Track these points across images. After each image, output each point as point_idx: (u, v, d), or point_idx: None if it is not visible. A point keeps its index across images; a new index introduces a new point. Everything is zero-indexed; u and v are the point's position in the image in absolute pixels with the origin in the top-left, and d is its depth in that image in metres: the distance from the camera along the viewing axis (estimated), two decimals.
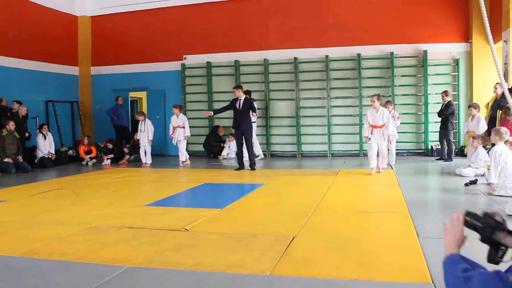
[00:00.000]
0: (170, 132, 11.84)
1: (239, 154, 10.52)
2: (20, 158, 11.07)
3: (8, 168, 10.72)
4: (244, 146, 10.58)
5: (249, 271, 3.51)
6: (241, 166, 10.31)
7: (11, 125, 10.96)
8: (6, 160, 10.75)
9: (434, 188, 8.07)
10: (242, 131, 10.23)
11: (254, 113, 10.30)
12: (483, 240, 1.68)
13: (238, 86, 10.53)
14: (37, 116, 12.98)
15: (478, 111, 10.10)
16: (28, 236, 4.78)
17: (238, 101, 10.27)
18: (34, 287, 3.34)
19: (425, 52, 12.40)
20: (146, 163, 11.85)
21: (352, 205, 6.09)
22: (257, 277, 3.40)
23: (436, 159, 11.40)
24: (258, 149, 12.62)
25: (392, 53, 12.60)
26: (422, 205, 6.07)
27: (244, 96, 10.41)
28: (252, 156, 10.37)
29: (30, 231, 5.03)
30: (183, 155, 11.73)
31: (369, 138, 9.14)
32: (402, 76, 12.74)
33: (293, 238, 4.41)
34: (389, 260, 3.71)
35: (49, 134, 12.44)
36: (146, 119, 12.17)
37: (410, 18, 12.56)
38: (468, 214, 1.74)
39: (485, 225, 1.68)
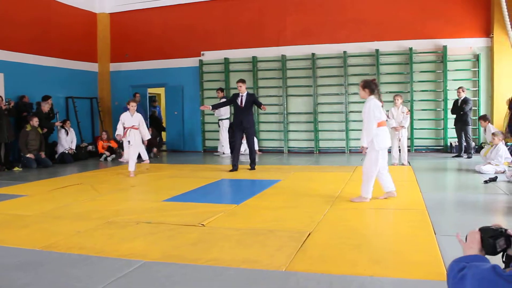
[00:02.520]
0: (120, 132, 9.31)
1: (236, 154, 9.71)
2: (43, 154, 11.27)
3: (29, 163, 10.92)
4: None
5: (265, 267, 3.53)
6: (235, 168, 9.48)
7: (35, 121, 11.16)
8: (28, 155, 10.94)
9: (452, 185, 8.00)
10: (244, 129, 9.60)
11: (264, 107, 9.71)
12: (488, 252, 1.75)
13: (242, 80, 9.81)
14: (57, 112, 13.16)
15: (488, 123, 10.13)
16: (48, 230, 4.88)
17: (240, 97, 9.60)
18: (53, 280, 3.41)
19: (445, 47, 12.25)
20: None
21: (369, 201, 6.06)
22: (272, 273, 3.41)
23: (452, 156, 11.26)
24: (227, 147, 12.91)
25: (411, 49, 12.48)
26: (439, 202, 6.01)
27: (247, 91, 9.73)
28: (253, 154, 9.78)
29: (50, 225, 5.13)
30: (133, 164, 9.27)
31: None
32: (421, 72, 12.60)
33: (309, 234, 4.41)
34: (405, 257, 3.70)
35: (71, 130, 12.63)
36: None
37: (430, 13, 12.40)
38: (482, 229, 1.80)
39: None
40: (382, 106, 6.11)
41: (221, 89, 13.20)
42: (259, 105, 9.72)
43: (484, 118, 10.31)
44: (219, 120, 13.07)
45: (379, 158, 5.98)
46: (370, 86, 6.06)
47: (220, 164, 11.05)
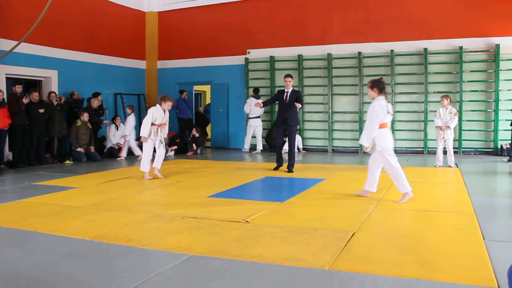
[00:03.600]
0: (145, 132, 8.14)
1: (279, 152, 9.44)
2: (92, 148, 11.65)
3: (79, 157, 11.33)
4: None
5: (308, 265, 3.54)
6: (279, 165, 9.36)
7: (85, 116, 11.55)
8: (78, 149, 11.34)
9: (503, 190, 7.71)
10: (287, 127, 9.12)
11: (299, 104, 9.03)
12: None
13: (290, 76, 9.35)
14: (106, 108, 13.53)
15: None
16: (98, 222, 5.05)
17: (286, 94, 9.15)
18: (102, 270, 3.53)
19: (497, 46, 11.82)
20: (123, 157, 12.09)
21: (414, 203, 5.95)
22: (315, 271, 3.42)
23: (508, 160, 10.80)
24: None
25: (461, 48, 12.12)
26: (489, 207, 5.83)
27: (292, 88, 9.25)
28: (292, 156, 9.20)
29: (99, 217, 5.31)
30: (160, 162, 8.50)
31: None
32: (471, 71, 12.23)
33: (353, 234, 4.39)
34: (451, 260, 3.62)
35: (122, 125, 12.97)
36: (132, 114, 12.33)
37: (481, 10, 12.00)
38: None
39: None
40: (387, 105, 6.10)
41: (256, 90, 13.64)
42: (300, 101, 9.11)
43: None
44: (249, 118, 13.55)
45: (392, 154, 6.06)
46: (378, 86, 6.15)
47: (264, 162, 11.08)
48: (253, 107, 12.88)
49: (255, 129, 13.57)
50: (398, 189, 6.07)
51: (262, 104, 9.81)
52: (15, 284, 3.23)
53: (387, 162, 6.07)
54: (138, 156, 11.79)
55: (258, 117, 13.53)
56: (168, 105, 8.30)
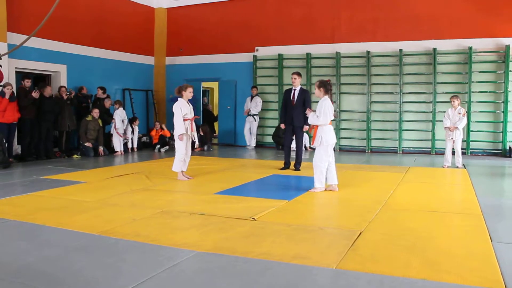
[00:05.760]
0: (182, 129, 7.62)
1: (287, 151, 9.33)
2: (101, 150, 11.69)
3: (87, 151, 11.37)
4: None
5: (315, 263, 3.54)
6: (286, 166, 9.22)
7: (95, 113, 11.60)
8: (86, 144, 11.39)
9: (510, 191, 7.66)
10: (294, 127, 9.00)
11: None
12: None
13: (298, 73, 9.07)
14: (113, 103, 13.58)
15: None
16: (105, 217, 5.08)
17: (293, 92, 8.95)
18: (110, 264, 3.55)
19: (507, 47, 11.74)
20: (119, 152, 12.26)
21: (421, 203, 5.94)
22: (322, 270, 3.42)
23: None
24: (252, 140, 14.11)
25: (470, 48, 12.04)
26: (497, 208, 5.81)
27: (300, 86, 9.07)
28: (299, 155, 9.14)
29: (107, 212, 5.34)
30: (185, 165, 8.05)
31: None
32: (481, 72, 12.15)
33: (360, 233, 4.39)
34: (458, 261, 3.61)
35: (136, 128, 12.97)
36: (120, 107, 12.41)
37: (491, 11, 11.91)
38: None
39: None
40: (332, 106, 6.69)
41: (255, 87, 14.08)
42: (307, 104, 8.74)
43: None
44: (249, 115, 13.87)
45: (328, 152, 6.64)
46: (325, 86, 6.67)
47: (272, 160, 11.07)
48: (252, 105, 13.75)
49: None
50: (314, 181, 6.67)
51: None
52: (23, 278, 3.25)
53: (318, 156, 6.62)
54: (115, 152, 12.17)
55: (257, 114, 14.01)
56: (190, 91, 7.73)
